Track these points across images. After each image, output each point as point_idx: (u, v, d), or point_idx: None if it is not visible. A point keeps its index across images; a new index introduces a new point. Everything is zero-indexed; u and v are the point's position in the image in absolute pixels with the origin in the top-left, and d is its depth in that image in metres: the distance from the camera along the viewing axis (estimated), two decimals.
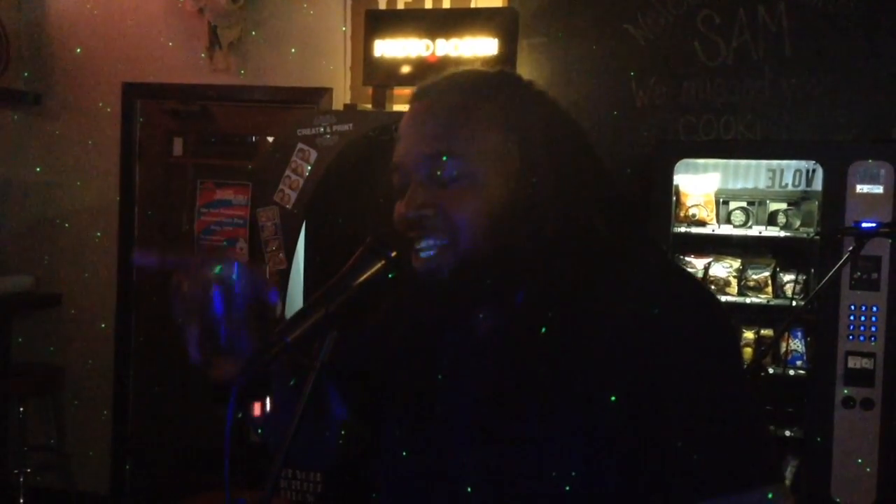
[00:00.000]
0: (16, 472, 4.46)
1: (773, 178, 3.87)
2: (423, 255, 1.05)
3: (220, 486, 0.96)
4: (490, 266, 1.04)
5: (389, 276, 1.01)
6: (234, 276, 1.00)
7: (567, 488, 0.98)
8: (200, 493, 3.41)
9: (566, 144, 1.09)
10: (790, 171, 3.83)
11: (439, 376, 1.11)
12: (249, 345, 1.01)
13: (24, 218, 4.82)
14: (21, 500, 4.42)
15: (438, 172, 1.05)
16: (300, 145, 3.72)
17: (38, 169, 4.77)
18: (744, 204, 3.78)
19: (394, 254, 1.01)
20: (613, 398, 0.97)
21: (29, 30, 4.70)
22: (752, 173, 3.90)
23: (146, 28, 4.62)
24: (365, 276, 1.00)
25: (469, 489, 1.05)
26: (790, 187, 3.84)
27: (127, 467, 4.80)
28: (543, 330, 1.01)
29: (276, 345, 0.94)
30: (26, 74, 4.68)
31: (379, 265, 1.00)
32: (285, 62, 4.48)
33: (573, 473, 0.98)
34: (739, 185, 3.90)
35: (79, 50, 4.69)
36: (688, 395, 0.96)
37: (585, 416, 0.98)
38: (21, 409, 4.53)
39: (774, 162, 3.81)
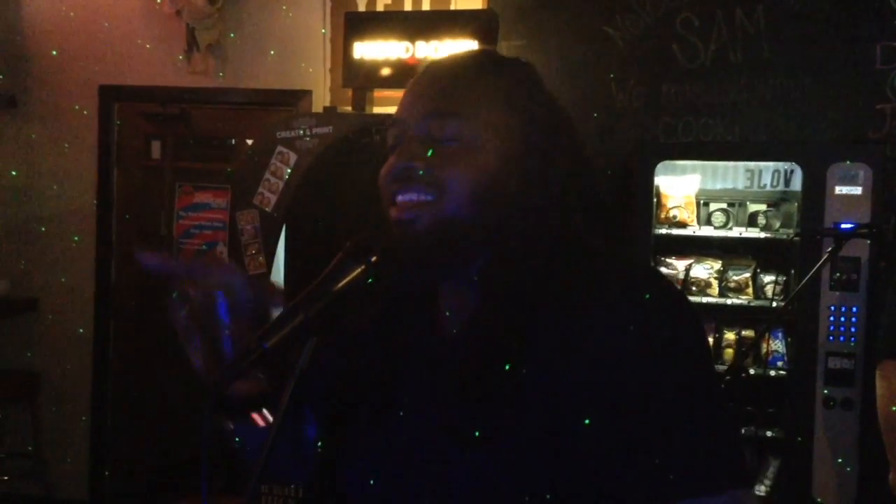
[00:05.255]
0: None
1: (751, 179, 3.89)
2: (402, 204, 1.03)
3: (199, 494, 0.94)
4: (467, 235, 1.02)
5: (369, 280, 0.99)
6: (239, 285, 0.99)
7: (540, 493, 0.96)
8: (179, 500, 3.37)
9: (565, 140, 1.09)
10: (768, 172, 3.85)
11: (405, 381, 1.09)
12: None
13: (0, 221, 4.76)
14: None
15: (436, 129, 1.04)
16: (279, 148, 3.69)
17: (13, 172, 4.72)
18: (724, 205, 3.79)
19: (374, 259, 0.99)
20: (588, 410, 0.95)
21: (4, 32, 4.65)
22: (731, 174, 3.92)
23: (123, 30, 4.58)
24: (344, 281, 0.98)
25: (439, 498, 1.03)
26: (768, 188, 3.86)
27: (106, 474, 4.75)
28: (513, 329, 0.99)
29: (254, 351, 0.92)
30: (1, 77, 4.62)
31: (359, 270, 0.98)
32: (264, 64, 4.45)
33: (545, 478, 0.96)
34: (719, 186, 3.91)
35: (55, 52, 4.64)
36: (660, 398, 0.95)
37: (557, 421, 0.96)
38: None
39: (752, 163, 3.83)
